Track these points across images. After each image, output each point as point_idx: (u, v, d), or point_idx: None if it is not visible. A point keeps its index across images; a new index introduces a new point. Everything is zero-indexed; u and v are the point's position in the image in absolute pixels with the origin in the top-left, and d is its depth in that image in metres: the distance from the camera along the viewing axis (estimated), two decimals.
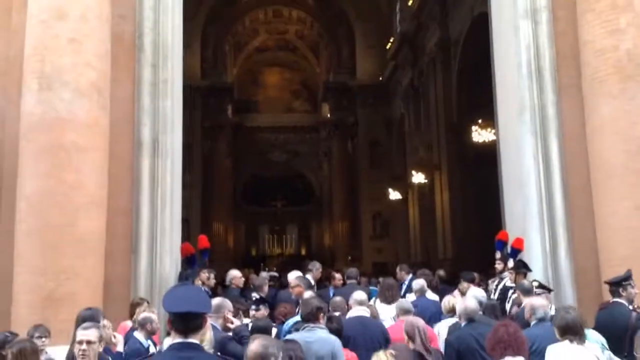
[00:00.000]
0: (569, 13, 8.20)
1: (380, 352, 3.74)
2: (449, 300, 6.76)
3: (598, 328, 5.61)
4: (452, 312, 6.53)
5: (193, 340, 3.17)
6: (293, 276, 8.12)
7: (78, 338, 4.24)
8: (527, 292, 6.41)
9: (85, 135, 6.99)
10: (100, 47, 7.29)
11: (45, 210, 6.71)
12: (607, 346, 5.17)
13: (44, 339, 5.10)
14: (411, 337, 5.06)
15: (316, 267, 9.18)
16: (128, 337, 5.78)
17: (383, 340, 5.74)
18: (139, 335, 5.67)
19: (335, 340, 5.16)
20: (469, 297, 6.24)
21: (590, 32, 7.68)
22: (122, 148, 7.77)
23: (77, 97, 6.98)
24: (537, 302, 5.58)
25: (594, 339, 5.14)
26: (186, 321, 3.14)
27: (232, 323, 5.72)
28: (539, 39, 8.28)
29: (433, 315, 7.11)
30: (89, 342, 4.18)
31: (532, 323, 5.46)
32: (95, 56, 7.20)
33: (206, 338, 4.86)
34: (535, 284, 6.60)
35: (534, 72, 8.21)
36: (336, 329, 5.41)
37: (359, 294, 6.39)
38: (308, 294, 6.89)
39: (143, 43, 8.07)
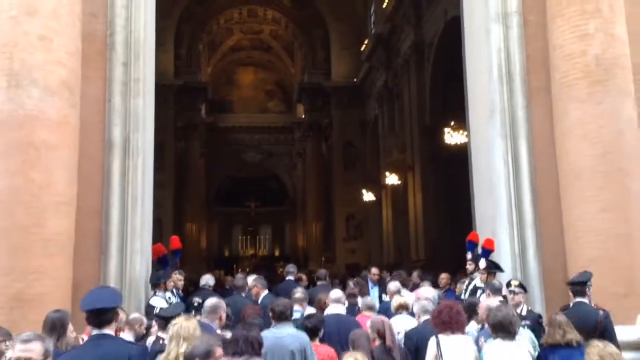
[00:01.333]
0: (539, 17, 8.31)
1: None
2: (396, 299, 7.23)
3: None
4: (400, 309, 6.99)
5: (106, 331, 3.82)
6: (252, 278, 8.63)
7: (16, 354, 3.31)
8: (497, 291, 6.60)
9: (54, 133, 6.90)
10: (71, 44, 7.20)
11: (13, 209, 6.59)
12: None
13: (7, 342, 5.01)
14: (380, 334, 5.44)
15: (296, 269, 10.14)
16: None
17: None
18: (127, 335, 5.59)
19: (305, 337, 5.39)
20: (423, 297, 6.93)
21: (559, 37, 7.80)
22: (93, 147, 7.67)
23: (46, 95, 6.88)
24: (493, 304, 5.69)
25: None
26: (97, 316, 3.83)
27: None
28: (509, 42, 8.36)
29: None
30: None
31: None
32: (66, 54, 7.11)
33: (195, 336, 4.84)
34: (515, 282, 6.69)
35: (504, 75, 8.29)
36: (314, 327, 5.61)
37: (335, 292, 6.90)
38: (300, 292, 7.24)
39: (115, 41, 7.98)
